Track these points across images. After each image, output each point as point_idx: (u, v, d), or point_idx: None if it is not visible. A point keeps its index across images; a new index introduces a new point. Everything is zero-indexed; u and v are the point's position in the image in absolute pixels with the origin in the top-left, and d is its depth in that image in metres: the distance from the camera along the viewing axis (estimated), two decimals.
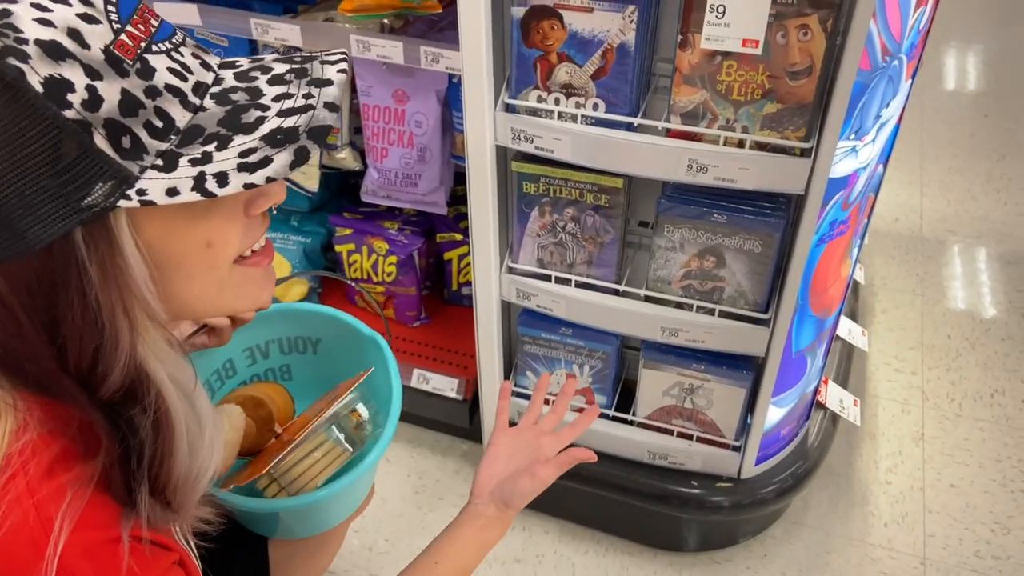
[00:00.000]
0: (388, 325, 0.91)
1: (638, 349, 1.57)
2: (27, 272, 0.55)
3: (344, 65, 0.67)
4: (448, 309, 2.08)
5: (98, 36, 0.55)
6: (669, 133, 1.24)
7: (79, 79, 0.53)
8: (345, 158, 1.77)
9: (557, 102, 1.26)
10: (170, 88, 0.59)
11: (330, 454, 0.96)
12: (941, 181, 3.04)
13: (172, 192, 0.57)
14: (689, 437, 1.63)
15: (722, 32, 1.03)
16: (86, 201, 0.54)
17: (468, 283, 2.01)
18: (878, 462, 2.02)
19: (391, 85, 1.61)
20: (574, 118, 1.26)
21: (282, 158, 0.59)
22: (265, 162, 0.59)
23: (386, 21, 1.55)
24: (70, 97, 0.53)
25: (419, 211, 1.93)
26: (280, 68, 0.66)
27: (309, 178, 1.78)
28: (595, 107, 1.25)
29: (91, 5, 0.56)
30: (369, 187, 1.76)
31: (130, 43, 0.57)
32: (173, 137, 0.59)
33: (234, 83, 0.64)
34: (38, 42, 0.52)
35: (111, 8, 0.57)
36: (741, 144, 1.20)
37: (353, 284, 1.17)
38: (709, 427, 1.60)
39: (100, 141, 0.54)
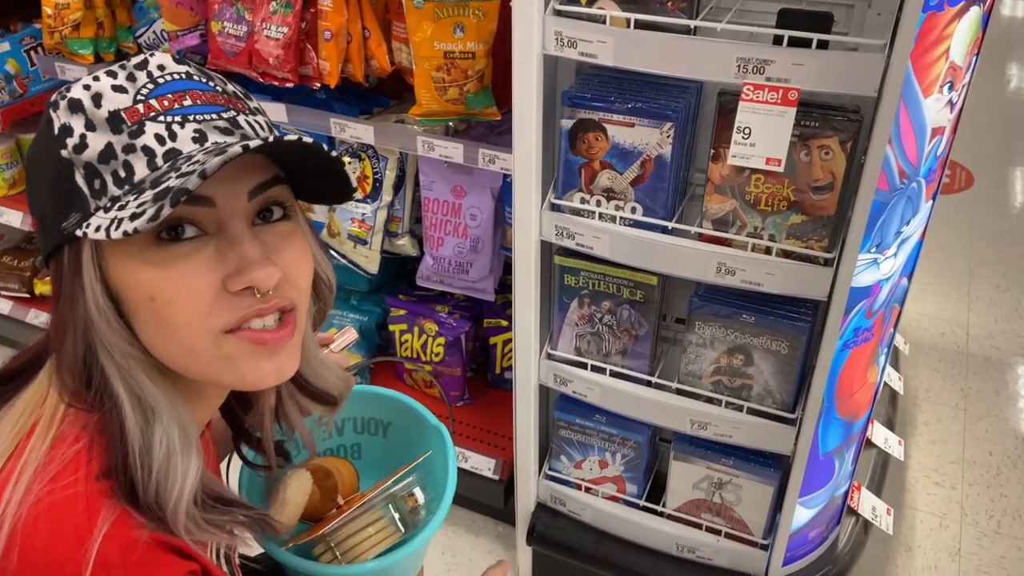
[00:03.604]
0: (452, 413, 0.97)
1: (671, 441, 1.63)
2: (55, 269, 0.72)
3: (271, 138, 0.68)
4: (491, 392, 2.17)
5: (115, 102, 0.68)
6: (701, 237, 1.33)
7: (79, 128, 0.67)
8: (404, 244, 1.91)
9: (599, 204, 1.38)
10: (144, 148, 0.67)
11: (383, 531, 1.02)
12: (989, 298, 3.05)
13: (97, 231, 0.66)
14: (717, 532, 1.65)
15: (748, 151, 1.14)
16: (63, 224, 0.68)
17: (511, 368, 2.08)
18: (912, 575, 1.99)
19: (451, 181, 1.75)
20: (613, 219, 1.37)
21: (150, 213, 0.62)
22: (141, 215, 0.63)
23: (451, 124, 1.71)
24: (68, 140, 0.67)
25: (469, 297, 2.05)
26: (220, 138, 0.70)
27: (370, 261, 1.92)
28: (633, 210, 1.36)
29: (134, 81, 0.69)
30: (424, 272, 1.89)
31: (142, 111, 0.68)
32: (127, 187, 0.68)
33: (198, 156, 0.67)
34: (69, 100, 0.68)
35: (146, 87, 0.69)
36: (768, 251, 1.29)
37: (424, 374, 1.25)
38: (737, 524, 1.63)
39: (79, 178, 0.67)
